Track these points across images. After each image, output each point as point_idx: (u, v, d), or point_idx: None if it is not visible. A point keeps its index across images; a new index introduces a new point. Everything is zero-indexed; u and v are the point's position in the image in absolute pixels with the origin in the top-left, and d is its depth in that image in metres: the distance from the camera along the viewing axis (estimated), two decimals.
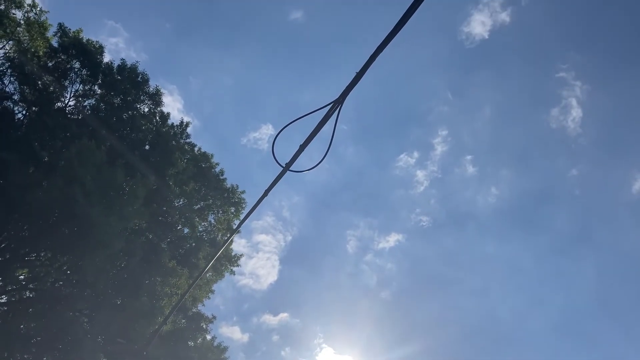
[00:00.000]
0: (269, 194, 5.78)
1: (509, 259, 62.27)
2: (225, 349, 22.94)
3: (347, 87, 4.26)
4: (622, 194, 52.81)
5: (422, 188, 61.03)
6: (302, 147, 4.99)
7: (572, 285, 58.13)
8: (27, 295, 20.33)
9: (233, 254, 24.62)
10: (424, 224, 62.62)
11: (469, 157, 59.47)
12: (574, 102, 52.75)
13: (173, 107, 48.47)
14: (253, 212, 5.91)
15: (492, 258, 62.06)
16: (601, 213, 56.50)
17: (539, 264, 61.50)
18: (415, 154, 59.99)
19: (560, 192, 58.82)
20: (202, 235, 23.81)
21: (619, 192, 53.54)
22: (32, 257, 19.93)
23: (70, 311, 18.74)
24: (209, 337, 22.34)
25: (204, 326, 21.74)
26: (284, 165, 5.29)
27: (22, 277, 20.63)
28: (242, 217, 24.80)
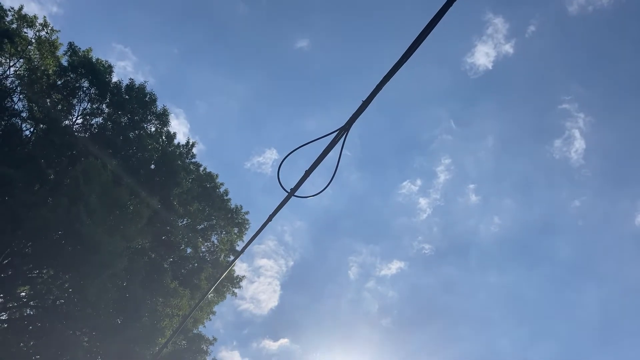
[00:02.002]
0: (273, 219, 5.76)
1: (511, 289, 61.77)
2: None
3: (353, 114, 4.27)
4: (626, 225, 52.55)
5: (424, 216, 60.91)
6: (308, 173, 4.98)
7: (575, 317, 57.51)
8: (28, 312, 20.24)
9: (235, 275, 24.52)
10: (426, 251, 62.33)
11: (471, 186, 59.45)
12: (577, 133, 52.84)
13: (179, 130, 48.85)
14: (256, 238, 5.89)
15: (494, 288, 61.60)
16: (604, 244, 56.16)
17: (541, 295, 60.97)
18: (418, 182, 60.03)
19: (563, 223, 58.59)
20: (205, 255, 23.74)
21: (623, 224, 53.28)
22: (34, 274, 19.89)
23: (70, 330, 18.61)
24: (209, 359, 22.15)
25: (205, 348, 21.54)
26: (289, 191, 5.28)
27: (23, 293, 20.56)
28: (245, 238, 24.75)
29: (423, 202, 59.81)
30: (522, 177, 59.38)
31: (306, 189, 5.41)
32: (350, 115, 4.33)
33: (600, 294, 56.11)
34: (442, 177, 58.51)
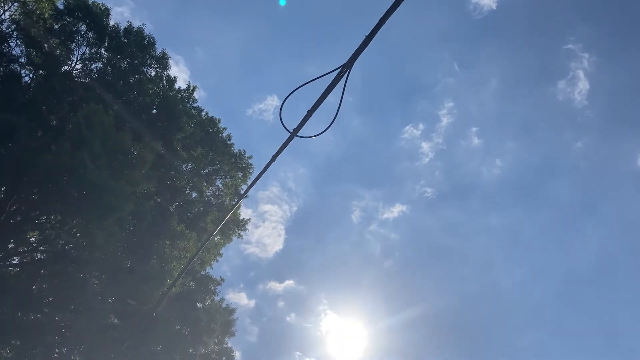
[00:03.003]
0: (276, 159, 5.79)
1: (512, 231, 62.38)
2: (233, 310, 23.36)
3: (356, 50, 4.22)
4: (627, 166, 52.47)
5: (427, 160, 60.84)
6: (310, 112, 4.97)
7: (575, 256, 58.30)
8: (39, 257, 20.68)
9: (241, 218, 24.83)
10: (428, 195, 62.65)
11: (474, 129, 59.06)
12: (581, 74, 51.92)
13: (179, 78, 48.17)
14: (259, 179, 5.94)
15: (496, 229, 62.21)
16: (606, 186, 56.24)
17: (542, 236, 61.59)
18: (421, 126, 59.62)
19: (565, 165, 58.50)
20: (210, 199, 23.96)
21: (625, 165, 53.17)
22: (43, 219, 20.18)
23: (80, 273, 19.05)
24: (217, 298, 22.73)
25: (212, 288, 22.08)
26: (291, 131, 5.28)
27: (33, 239, 20.94)
28: (249, 182, 24.91)
29: (425, 146, 59.64)
30: (524, 119, 58.91)
31: (308, 132, 5.41)
32: (353, 52, 4.27)
33: (600, 233, 56.71)
34: (445, 120, 58.10)
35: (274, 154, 5.79)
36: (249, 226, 25.25)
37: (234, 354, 24.42)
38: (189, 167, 22.42)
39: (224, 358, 24.09)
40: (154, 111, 21.13)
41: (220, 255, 24.70)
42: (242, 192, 24.27)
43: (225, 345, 24.17)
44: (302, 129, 5.26)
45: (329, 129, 5.17)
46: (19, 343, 18.62)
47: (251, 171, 24.44)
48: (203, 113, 23.64)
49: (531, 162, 59.17)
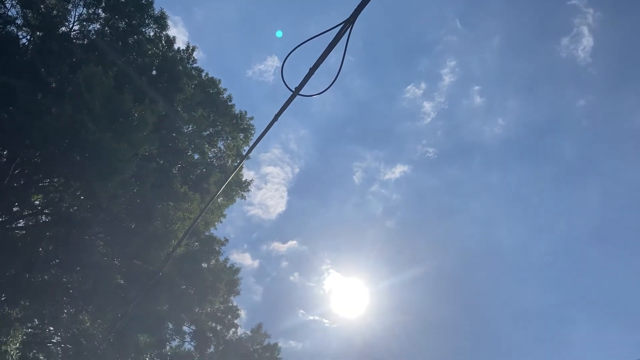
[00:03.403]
0: (278, 119, 5.76)
1: (513, 189, 62.52)
2: (238, 269, 23.68)
3: (359, 5, 4.14)
4: (630, 124, 52.14)
5: (428, 119, 60.54)
6: (312, 70, 4.92)
7: (575, 214, 58.55)
8: (44, 219, 20.84)
9: (243, 179, 24.89)
10: (430, 155, 62.62)
11: (476, 88, 58.50)
12: (585, 30, 51.02)
13: (178, 39, 47.45)
14: (261, 140, 5.93)
15: (497, 188, 62.34)
16: (608, 143, 56.05)
17: (543, 194, 61.78)
18: (423, 85, 59.08)
19: (567, 123, 58.14)
20: (212, 161, 23.96)
21: (627, 123, 52.83)
22: (46, 182, 20.27)
23: (85, 235, 19.25)
24: (221, 258, 23.00)
25: (217, 248, 22.31)
26: (293, 90, 5.24)
27: (37, 202, 21.07)
28: (251, 143, 24.86)
29: (427, 105, 59.26)
30: (527, 77, 58.28)
31: (310, 91, 5.36)
32: (355, 7, 4.20)
33: (601, 191, 56.81)
34: (447, 79, 57.51)
35: (275, 113, 5.77)
36: (251, 187, 25.35)
37: (239, 312, 24.92)
38: (190, 128, 22.33)
39: (229, 316, 24.58)
40: (154, 72, 20.90)
41: (224, 216, 24.87)
42: (244, 153, 24.25)
43: (230, 304, 24.63)
44: (303, 87, 5.22)
45: (331, 87, 5.12)
46: (28, 303, 18.96)
47: (253, 132, 24.36)
48: (203, 74, 23.39)
49: (533, 120, 58.88)
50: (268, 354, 25.81)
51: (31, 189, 19.98)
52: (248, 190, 25.03)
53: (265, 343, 26.11)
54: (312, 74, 5.04)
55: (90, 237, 19.46)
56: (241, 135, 24.40)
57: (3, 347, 16.44)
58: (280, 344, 26.26)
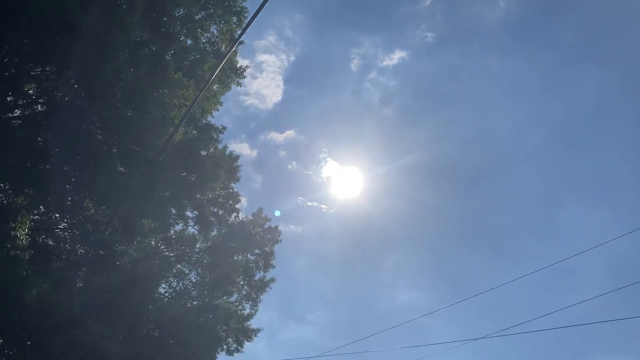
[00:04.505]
0: None
1: (512, 74, 61.44)
2: (237, 157, 23.94)
3: None
4: (633, 6, 50.12)
5: (428, 2, 58.17)
6: None
7: (574, 99, 58.07)
8: (39, 109, 20.72)
9: (238, 65, 24.44)
10: (428, 40, 60.88)
11: None
12: None
13: None
14: (256, 24, 5.74)
15: (495, 73, 61.28)
16: (609, 26, 54.24)
17: (541, 78, 60.82)
18: None
19: (568, 5, 55.91)
20: (206, 46, 23.37)
21: (630, 4, 50.76)
22: (38, 71, 19.90)
23: (83, 124, 19.21)
24: (220, 147, 23.16)
25: (215, 136, 22.38)
26: None
27: (31, 91, 20.82)
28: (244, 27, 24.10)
29: None
30: None
31: None
32: None
33: (600, 76, 55.99)
34: None
35: None
36: (246, 75, 24.93)
37: (240, 197, 25.55)
38: (181, 12, 21.56)
39: (230, 201, 25.25)
40: None
41: (220, 104, 24.72)
42: (237, 37, 23.58)
43: (231, 190, 25.19)
44: None
45: None
46: (31, 192, 19.34)
47: (246, 15, 23.48)
48: None
49: (534, 2, 56.70)
50: (269, 236, 26.83)
51: (23, 77, 19.65)
52: (243, 77, 24.69)
53: (266, 226, 27.05)
54: None
55: (89, 127, 19.44)
56: (234, 19, 23.60)
57: (13, 233, 17.04)
58: (280, 228, 27.23)
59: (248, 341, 25.80)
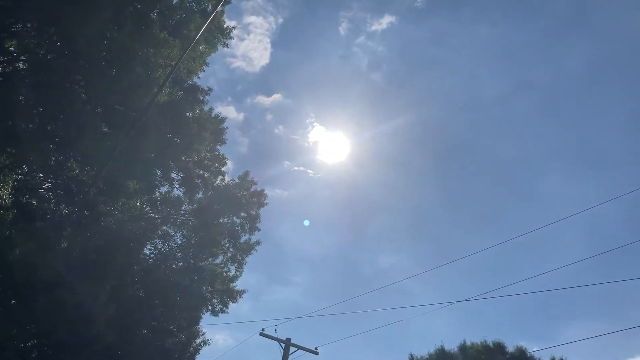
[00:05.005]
0: None
1: (501, 41, 61.09)
2: (223, 119, 23.78)
3: None
4: None
5: None
6: None
7: (562, 68, 57.97)
8: (21, 67, 20.28)
9: (225, 25, 24.02)
10: (418, 4, 60.14)
11: None
12: None
13: None
14: None
15: (485, 40, 60.85)
16: None
17: (530, 47, 60.59)
18: None
19: None
20: (192, 5, 22.91)
21: None
22: (19, 27, 19.41)
23: (66, 83, 18.88)
24: (206, 108, 22.94)
25: (201, 98, 22.14)
26: None
27: (12, 48, 20.33)
28: None
29: None
30: None
31: None
32: None
33: (589, 46, 55.88)
34: None
35: None
36: (234, 35, 24.51)
37: (226, 160, 25.45)
38: None
39: (216, 164, 25.15)
40: None
41: (207, 65, 24.39)
42: None
43: (217, 153, 25.06)
44: None
45: None
46: (14, 151, 19.10)
47: None
48: None
49: None
50: (255, 199, 26.86)
51: (4, 33, 19.16)
52: (230, 38, 24.30)
53: (252, 189, 27.05)
54: None
55: (72, 86, 19.12)
56: None
57: None
58: (266, 192, 27.24)
59: (233, 302, 26.15)
